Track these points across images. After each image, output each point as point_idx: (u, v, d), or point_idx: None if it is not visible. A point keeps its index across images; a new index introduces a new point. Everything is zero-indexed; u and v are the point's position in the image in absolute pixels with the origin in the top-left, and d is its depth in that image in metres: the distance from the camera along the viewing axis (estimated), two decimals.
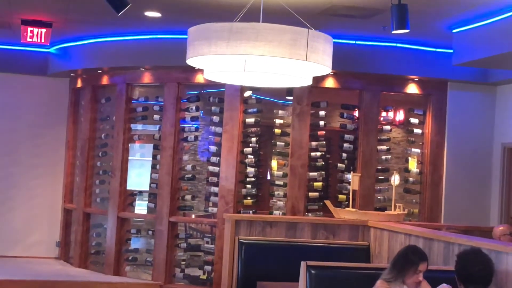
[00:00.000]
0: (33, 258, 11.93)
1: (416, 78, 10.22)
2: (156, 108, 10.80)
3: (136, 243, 11.04)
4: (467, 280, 4.46)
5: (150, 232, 10.69)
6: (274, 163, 10.36)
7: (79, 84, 11.90)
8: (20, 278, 10.10)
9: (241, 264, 6.85)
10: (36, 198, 12.19)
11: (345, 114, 10.36)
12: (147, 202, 10.98)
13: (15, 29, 9.96)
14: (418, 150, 10.42)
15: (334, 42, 6.71)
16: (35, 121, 12.18)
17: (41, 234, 12.20)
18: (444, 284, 4.79)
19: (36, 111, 12.19)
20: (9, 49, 11.64)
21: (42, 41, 9.87)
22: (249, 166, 10.16)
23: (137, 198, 11.14)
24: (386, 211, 8.84)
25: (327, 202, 8.73)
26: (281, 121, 10.23)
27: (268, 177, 10.52)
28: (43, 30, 9.76)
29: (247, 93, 10.19)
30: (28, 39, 9.79)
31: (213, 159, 10.27)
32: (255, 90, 10.16)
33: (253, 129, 10.19)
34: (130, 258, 10.90)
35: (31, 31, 9.71)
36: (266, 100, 10.41)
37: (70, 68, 11.61)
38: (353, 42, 9.73)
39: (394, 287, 4.85)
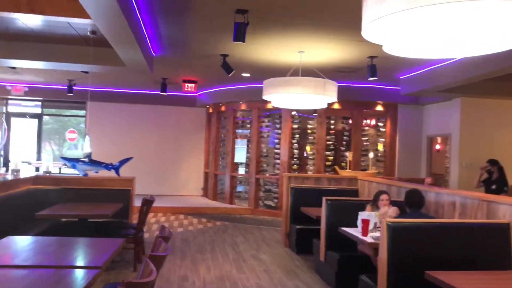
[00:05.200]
0: (189, 196, 12.10)
1: (381, 102, 9.90)
2: (248, 121, 10.76)
3: (240, 188, 11.06)
4: (411, 204, 4.25)
5: (246, 183, 10.69)
6: (307, 148, 10.22)
7: (210, 110, 11.95)
8: (182, 206, 10.28)
9: (292, 198, 6.75)
10: (191, 166, 12.35)
11: (344, 121, 10.13)
12: (244, 168, 11.00)
13: (180, 84, 10.10)
14: (383, 139, 10.11)
15: (338, 85, 6.54)
16: (190, 129, 12.34)
17: (194, 183, 12.35)
18: (394, 207, 4.60)
19: (191, 124, 12.34)
20: (180, 95, 11.76)
21: (193, 90, 9.99)
22: (295, 149, 10.07)
23: (239, 166, 11.16)
24: (366, 171, 8.61)
25: (336, 167, 8.57)
26: (311, 126, 10.06)
27: (305, 155, 10.37)
28: (193, 84, 9.87)
29: (293, 113, 10.07)
30: (186, 89, 9.92)
31: (277, 146, 10.20)
32: (297, 111, 10.03)
33: (296, 130, 10.10)
34: (237, 195, 10.91)
35: (187, 85, 9.85)
36: (302, 116, 10.24)
37: (206, 103, 11.67)
38: (348, 85, 9.45)
39: (374, 209, 4.69)
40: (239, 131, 11.05)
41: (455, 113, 8.90)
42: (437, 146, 9.97)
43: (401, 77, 8.65)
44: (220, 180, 11.52)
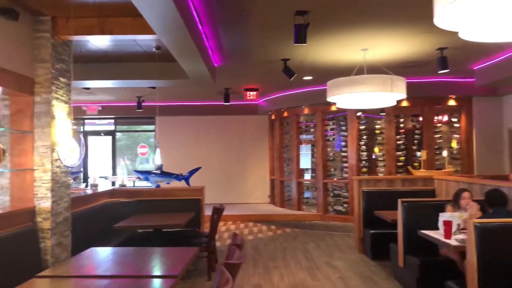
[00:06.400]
0: (256, 203, 12.14)
1: (453, 96, 9.34)
2: (312, 125, 10.61)
3: (307, 194, 10.91)
4: (493, 204, 3.93)
5: (314, 188, 10.51)
6: (376, 149, 9.86)
7: (273, 117, 11.94)
8: (251, 213, 10.32)
9: (364, 202, 6.52)
10: (257, 173, 12.39)
11: (414, 119, 9.66)
12: (310, 173, 10.84)
13: (241, 93, 10.21)
14: (457, 136, 9.51)
15: (406, 81, 6.24)
16: (254, 137, 12.42)
17: (260, 191, 12.38)
18: (473, 203, 4.26)
19: (254, 132, 12.43)
20: (242, 104, 11.90)
21: (254, 98, 10.06)
22: (363, 151, 9.76)
23: (305, 172, 11.01)
24: (442, 170, 8.13)
25: (409, 167, 8.21)
26: (379, 126, 9.72)
27: (373, 157, 10.01)
28: (254, 92, 9.93)
29: (359, 113, 9.78)
30: (248, 97, 10.00)
31: (344, 149, 9.94)
32: (363, 111, 9.74)
33: (363, 132, 9.79)
34: (305, 201, 10.78)
35: (249, 94, 9.93)
36: (369, 116, 9.91)
37: (268, 110, 11.70)
38: (416, 80, 9.00)
39: (456, 209, 4.38)
40: (303, 136, 10.93)
41: None
42: None
43: (475, 68, 8.09)
44: (286, 187, 11.44)
